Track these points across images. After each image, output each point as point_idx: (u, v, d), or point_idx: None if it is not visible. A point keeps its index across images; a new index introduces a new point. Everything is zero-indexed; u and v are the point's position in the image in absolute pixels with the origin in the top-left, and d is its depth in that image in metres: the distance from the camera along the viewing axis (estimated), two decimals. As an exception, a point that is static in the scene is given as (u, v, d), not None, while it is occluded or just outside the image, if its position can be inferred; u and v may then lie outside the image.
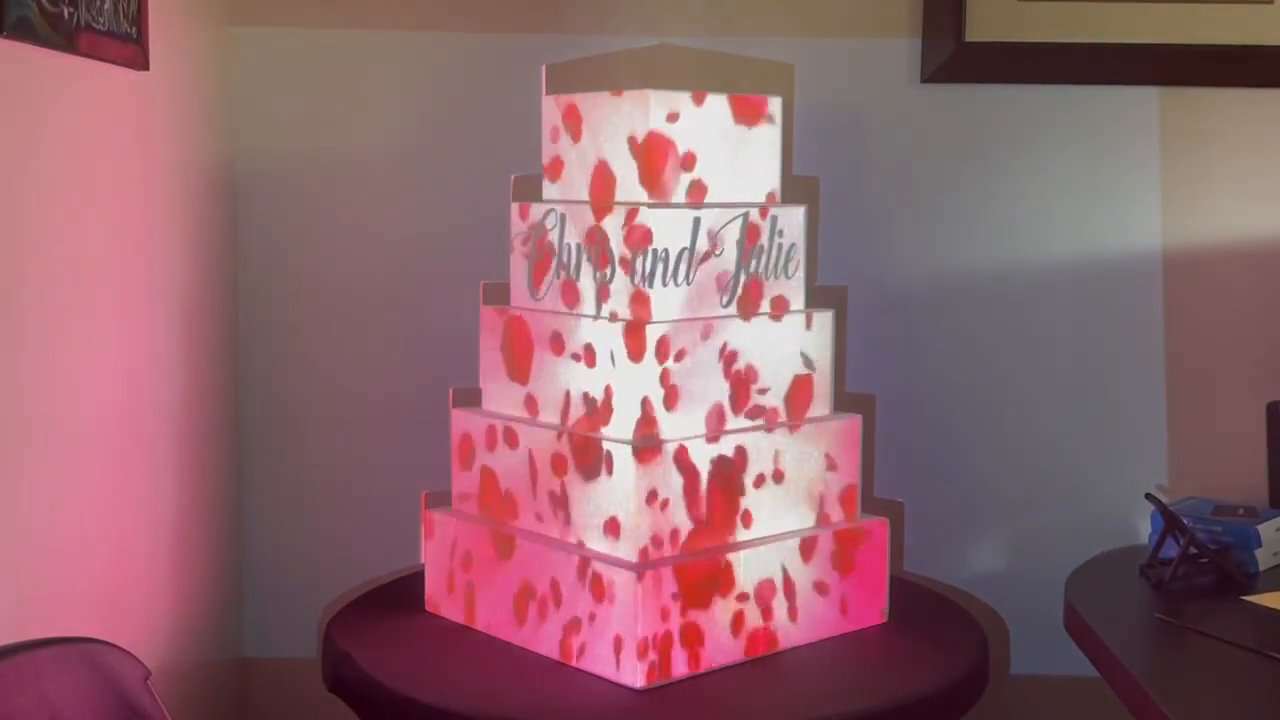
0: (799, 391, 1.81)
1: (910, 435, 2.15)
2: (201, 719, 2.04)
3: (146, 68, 1.77)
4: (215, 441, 2.10)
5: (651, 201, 1.69)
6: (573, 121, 1.78)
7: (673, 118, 1.70)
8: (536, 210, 1.80)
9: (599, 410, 1.70)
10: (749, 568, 1.70)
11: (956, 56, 2.08)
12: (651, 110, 1.68)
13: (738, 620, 1.70)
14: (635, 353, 1.65)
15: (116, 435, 1.76)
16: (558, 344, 1.75)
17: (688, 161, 1.72)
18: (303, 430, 2.18)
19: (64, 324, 1.62)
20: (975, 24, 2.08)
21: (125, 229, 1.79)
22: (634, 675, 1.61)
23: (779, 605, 1.73)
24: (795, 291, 1.82)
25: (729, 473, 1.71)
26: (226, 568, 2.16)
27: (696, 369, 1.70)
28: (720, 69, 2.06)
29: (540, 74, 1.97)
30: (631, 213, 1.67)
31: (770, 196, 1.81)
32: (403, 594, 1.93)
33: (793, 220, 1.81)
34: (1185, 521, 1.87)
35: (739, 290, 1.75)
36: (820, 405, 1.83)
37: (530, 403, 1.79)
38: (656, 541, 1.65)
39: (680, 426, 1.68)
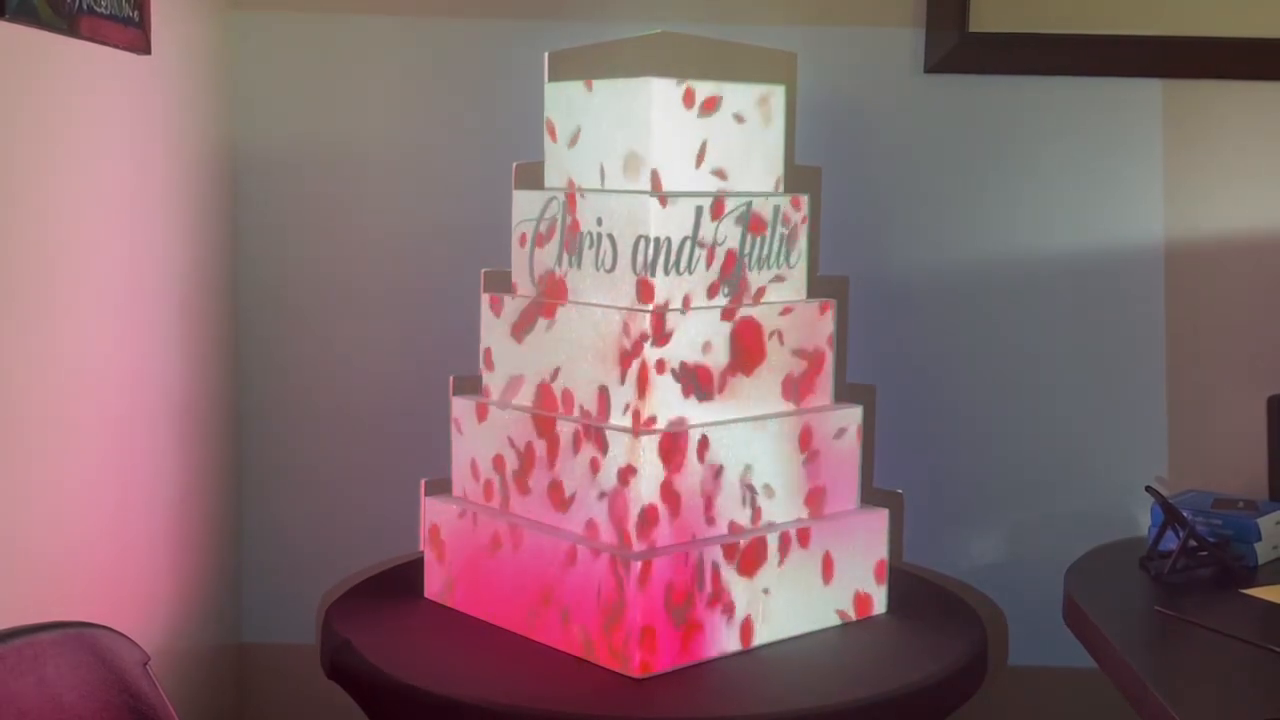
0: (800, 381, 1.81)
1: (910, 426, 2.15)
2: (200, 704, 2.04)
3: (148, 52, 1.77)
4: (214, 427, 2.10)
5: (654, 190, 1.68)
6: (575, 109, 1.78)
7: (674, 105, 1.70)
8: (538, 198, 1.80)
9: (600, 398, 1.70)
10: (748, 556, 1.70)
11: (960, 47, 2.08)
12: (653, 98, 1.68)
13: (736, 609, 1.70)
14: (637, 341, 1.65)
15: (116, 420, 1.76)
16: (559, 331, 1.74)
17: (690, 150, 1.72)
18: (302, 416, 2.18)
19: (63, 308, 1.62)
20: (979, 14, 2.08)
21: (125, 213, 1.78)
22: (632, 663, 1.61)
23: (779, 595, 1.73)
24: (797, 281, 1.82)
25: (729, 463, 1.71)
26: (226, 554, 2.16)
27: (696, 357, 1.69)
28: (722, 57, 2.06)
29: (542, 61, 1.96)
30: (633, 201, 1.67)
31: (772, 185, 1.81)
32: (402, 581, 1.93)
33: (795, 210, 1.80)
34: (1185, 514, 1.87)
35: (741, 279, 1.75)
36: (821, 395, 1.83)
37: (531, 390, 1.79)
38: (656, 530, 1.65)
39: (679, 414, 1.68)
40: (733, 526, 1.72)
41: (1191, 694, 1.48)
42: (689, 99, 1.71)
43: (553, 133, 1.82)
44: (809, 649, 1.73)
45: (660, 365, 1.66)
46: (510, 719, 1.52)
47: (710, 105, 1.73)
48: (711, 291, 1.72)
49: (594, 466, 1.68)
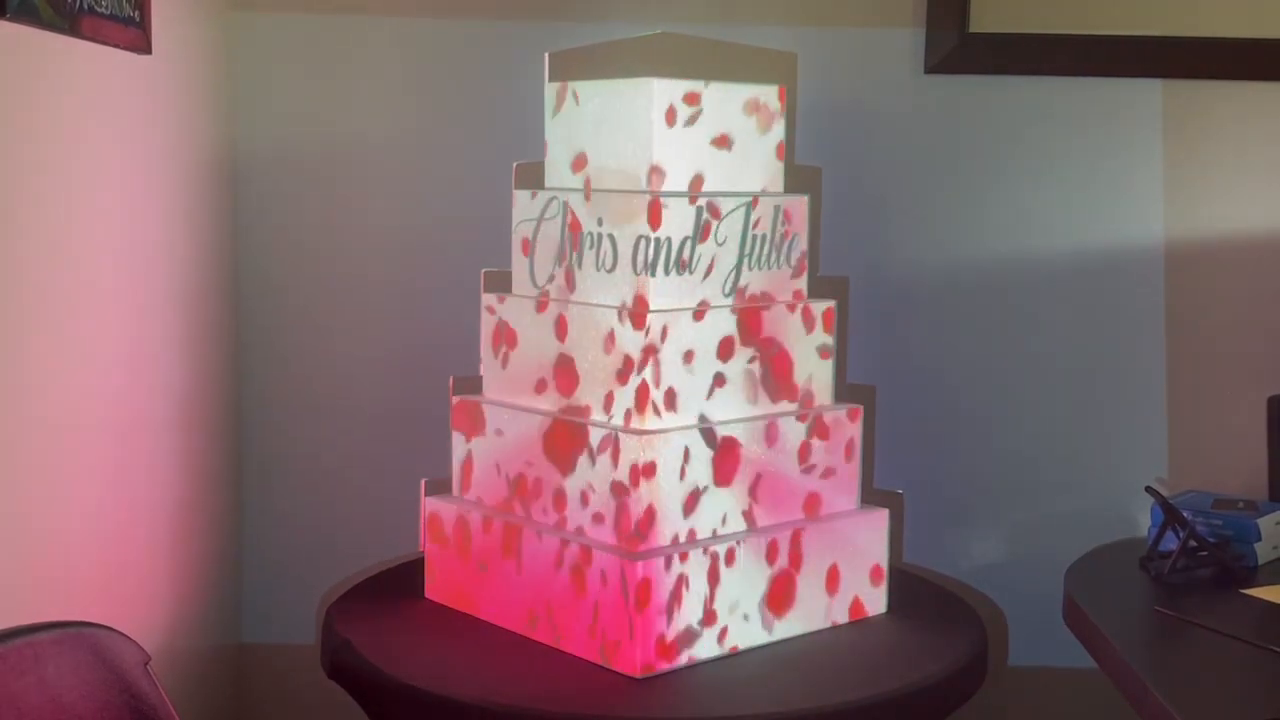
0: (801, 383, 1.81)
1: (910, 426, 2.15)
2: (200, 704, 2.04)
3: (149, 52, 1.77)
4: (215, 427, 2.10)
5: (654, 190, 1.68)
6: (575, 109, 1.78)
7: (674, 106, 1.70)
8: (538, 198, 1.80)
9: (599, 399, 1.70)
10: (748, 557, 1.70)
11: (960, 47, 2.08)
12: (654, 98, 1.68)
13: (737, 611, 1.70)
14: (637, 344, 1.65)
15: (117, 420, 1.76)
16: (559, 332, 1.74)
17: (690, 150, 1.72)
18: (303, 416, 2.18)
19: (63, 307, 1.62)
20: (979, 15, 2.08)
21: (126, 213, 1.79)
22: (633, 663, 1.61)
23: (779, 596, 1.73)
24: (797, 282, 1.82)
25: (728, 462, 1.71)
26: (226, 553, 2.16)
27: (697, 359, 1.69)
28: (723, 57, 2.06)
29: (543, 61, 1.97)
30: (633, 201, 1.67)
31: (772, 186, 1.81)
32: (403, 581, 1.93)
33: (795, 210, 1.80)
34: (1185, 514, 1.87)
35: (740, 280, 1.75)
36: (822, 396, 1.83)
37: (530, 390, 1.79)
38: (655, 529, 1.65)
39: (679, 416, 1.68)
40: (732, 529, 1.72)
41: (1191, 694, 1.48)
42: (689, 99, 1.70)
43: (552, 134, 1.81)
44: (809, 649, 1.73)
45: (660, 368, 1.66)
46: (510, 719, 1.52)
47: (710, 106, 1.72)
48: (712, 293, 1.72)
49: (594, 468, 1.67)
